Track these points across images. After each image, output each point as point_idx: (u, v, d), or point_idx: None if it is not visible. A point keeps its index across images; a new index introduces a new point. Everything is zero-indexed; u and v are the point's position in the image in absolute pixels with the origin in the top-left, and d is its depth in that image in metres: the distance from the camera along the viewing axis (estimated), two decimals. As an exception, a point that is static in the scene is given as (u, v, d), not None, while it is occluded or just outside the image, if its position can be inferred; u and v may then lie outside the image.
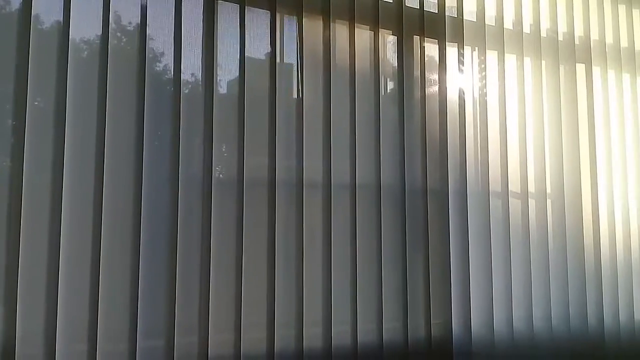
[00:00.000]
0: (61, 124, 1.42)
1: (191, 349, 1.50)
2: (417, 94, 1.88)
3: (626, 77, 2.27)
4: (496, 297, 1.89)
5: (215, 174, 1.57)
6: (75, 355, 1.39)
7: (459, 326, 1.84)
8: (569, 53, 2.15)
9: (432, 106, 1.90)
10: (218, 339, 1.52)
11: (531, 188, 2.01)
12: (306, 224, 1.66)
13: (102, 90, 1.47)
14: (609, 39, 2.26)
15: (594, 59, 2.20)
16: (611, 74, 2.24)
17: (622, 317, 2.11)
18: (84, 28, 1.48)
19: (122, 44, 1.53)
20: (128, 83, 1.51)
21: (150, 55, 1.55)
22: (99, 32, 1.49)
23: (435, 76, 1.93)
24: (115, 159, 1.47)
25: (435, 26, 1.94)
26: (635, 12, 2.35)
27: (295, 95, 1.72)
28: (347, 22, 1.80)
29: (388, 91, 1.87)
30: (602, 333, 2.06)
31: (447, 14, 1.95)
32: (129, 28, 1.54)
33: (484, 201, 1.92)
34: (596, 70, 2.21)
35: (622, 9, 2.31)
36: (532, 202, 2.01)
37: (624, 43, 2.29)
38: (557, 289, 2.00)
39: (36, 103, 1.41)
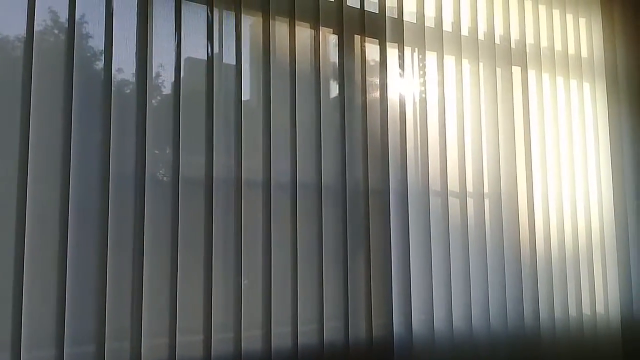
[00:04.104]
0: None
1: (123, 354, 1.44)
2: (358, 93, 1.88)
3: (560, 80, 2.35)
4: (436, 296, 1.92)
5: (149, 173, 1.52)
6: (-4, 364, 1.32)
7: (399, 325, 1.85)
8: (505, 56, 2.21)
9: (373, 106, 1.91)
10: (152, 344, 1.47)
11: (469, 187, 2.05)
12: (245, 224, 1.63)
13: (26, 87, 1.40)
14: (544, 43, 2.33)
15: (529, 62, 2.27)
16: (545, 76, 2.31)
17: (557, 312, 2.18)
18: (12, 24, 1.42)
19: (59, 41, 1.48)
20: (56, 80, 1.45)
21: (89, 54, 1.52)
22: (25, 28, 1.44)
23: (376, 76, 1.93)
24: (41, 157, 1.40)
25: (375, 26, 1.94)
26: (568, 17, 2.43)
27: (234, 93, 1.68)
28: (288, 19, 1.79)
29: (329, 90, 1.86)
30: (537, 329, 2.11)
31: (387, 14, 1.96)
32: (66, 25, 1.49)
33: (424, 200, 1.94)
34: (531, 73, 2.27)
35: (556, 14, 2.38)
36: (470, 202, 2.04)
37: (557, 47, 2.36)
38: (494, 287, 2.04)
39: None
